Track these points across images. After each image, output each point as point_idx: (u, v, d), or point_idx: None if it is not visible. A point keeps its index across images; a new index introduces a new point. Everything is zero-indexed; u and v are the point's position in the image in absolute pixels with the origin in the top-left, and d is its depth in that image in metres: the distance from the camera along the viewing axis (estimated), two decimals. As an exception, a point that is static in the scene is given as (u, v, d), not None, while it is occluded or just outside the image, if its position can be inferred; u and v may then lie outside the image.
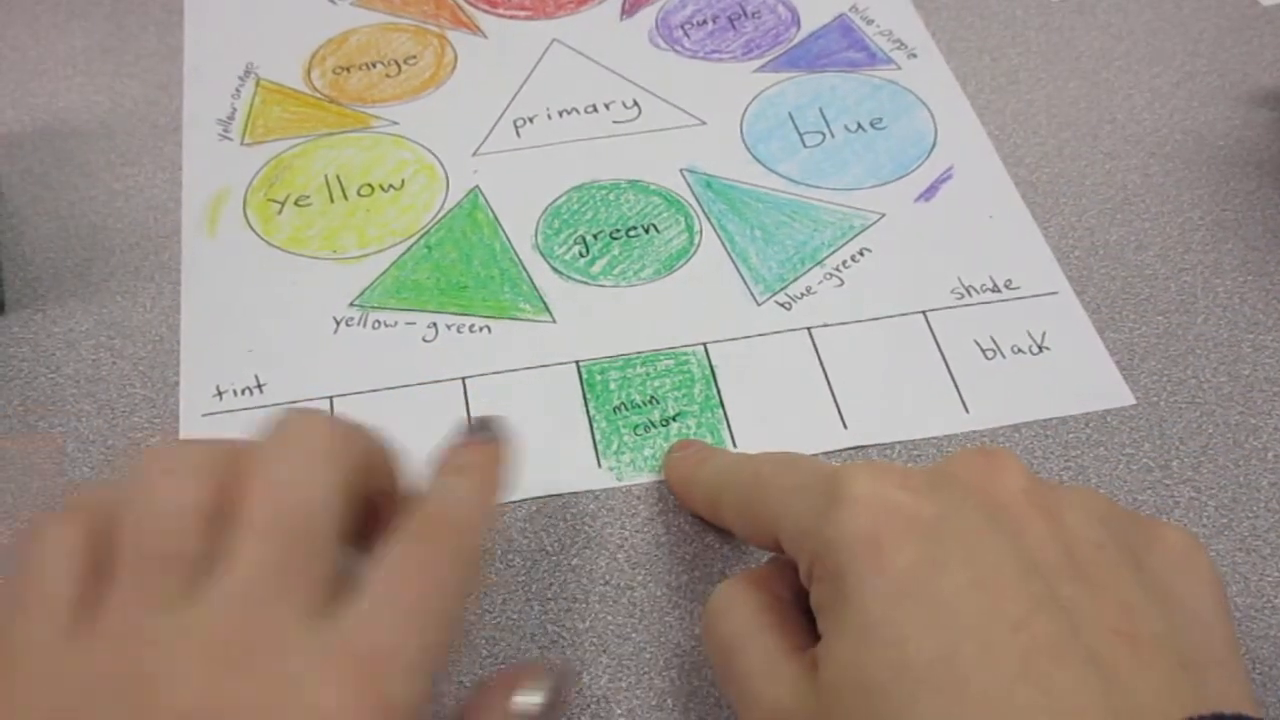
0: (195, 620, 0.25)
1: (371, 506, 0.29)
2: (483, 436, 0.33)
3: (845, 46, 0.54)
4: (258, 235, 0.47)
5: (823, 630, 0.28)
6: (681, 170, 0.48)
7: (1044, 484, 0.29)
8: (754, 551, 0.38)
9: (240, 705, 0.24)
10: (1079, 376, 0.42)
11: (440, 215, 0.47)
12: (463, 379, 0.42)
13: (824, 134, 0.50)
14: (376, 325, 0.43)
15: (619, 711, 0.35)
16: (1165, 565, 0.29)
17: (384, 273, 0.45)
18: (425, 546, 0.28)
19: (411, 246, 0.46)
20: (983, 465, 0.29)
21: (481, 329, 0.43)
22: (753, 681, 0.29)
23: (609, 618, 0.36)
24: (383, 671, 0.25)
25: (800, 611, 0.30)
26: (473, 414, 0.36)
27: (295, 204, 0.48)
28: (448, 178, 0.48)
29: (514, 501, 0.39)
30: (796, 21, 0.55)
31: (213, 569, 0.25)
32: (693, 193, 0.48)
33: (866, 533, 0.27)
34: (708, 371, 0.42)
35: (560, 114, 0.51)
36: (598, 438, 0.40)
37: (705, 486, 0.36)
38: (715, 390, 0.41)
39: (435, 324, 0.43)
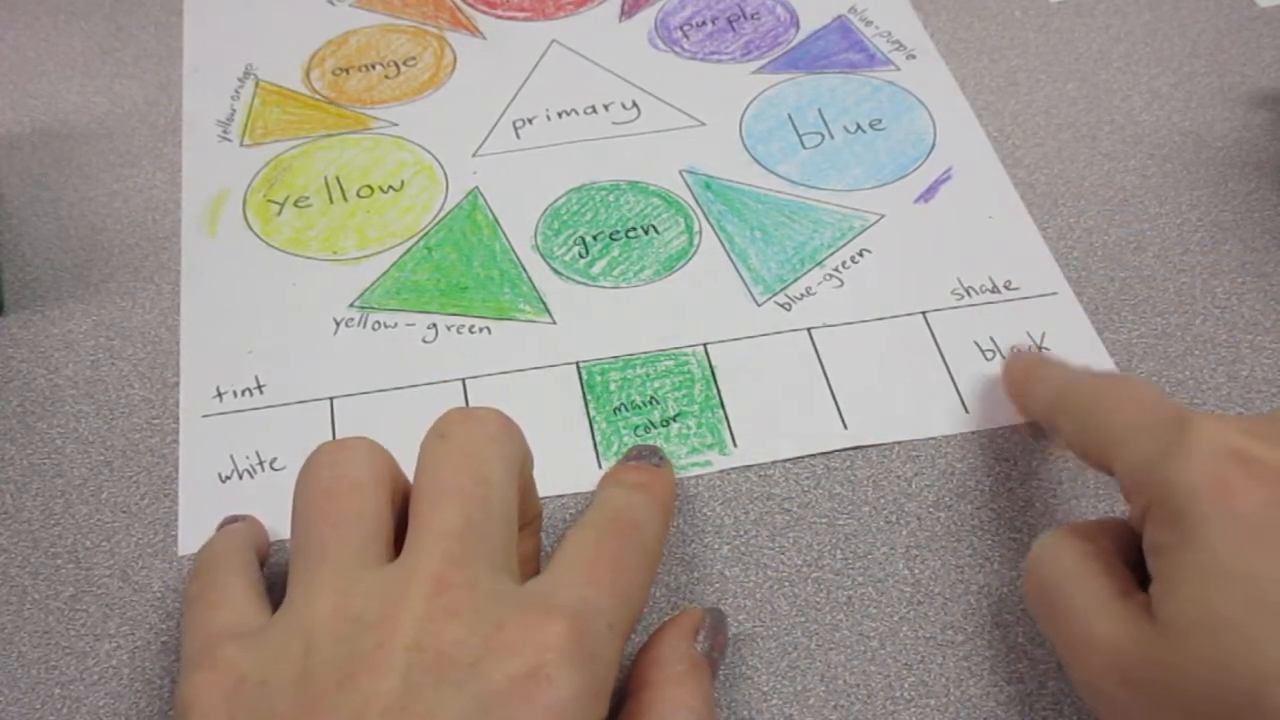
0: (403, 573, 0.28)
1: (524, 504, 0.32)
2: (652, 461, 0.36)
3: (844, 48, 0.54)
4: (257, 236, 0.47)
5: (1158, 572, 0.28)
6: (681, 171, 0.48)
7: None
8: (755, 550, 0.38)
9: (460, 643, 0.27)
10: (1078, 377, 0.42)
11: (440, 216, 0.47)
12: (463, 380, 0.42)
13: (823, 135, 0.50)
14: (376, 326, 0.43)
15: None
16: None
17: (384, 274, 0.45)
18: (611, 535, 0.31)
19: (411, 248, 0.46)
20: None
21: (481, 330, 0.43)
22: (1084, 622, 0.29)
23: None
24: (587, 624, 0.28)
25: (1125, 563, 0.31)
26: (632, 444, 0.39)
27: (295, 205, 0.48)
28: (447, 179, 0.48)
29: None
30: (795, 23, 0.55)
31: (408, 537, 0.30)
32: (692, 194, 0.48)
33: (1213, 477, 0.28)
34: (708, 372, 0.42)
35: (560, 115, 0.51)
36: (598, 438, 0.40)
37: (1043, 400, 0.37)
38: (715, 390, 0.41)
39: (435, 325, 0.43)
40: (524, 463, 0.32)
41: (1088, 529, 0.32)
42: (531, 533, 0.35)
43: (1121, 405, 0.32)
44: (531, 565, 0.35)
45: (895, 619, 0.36)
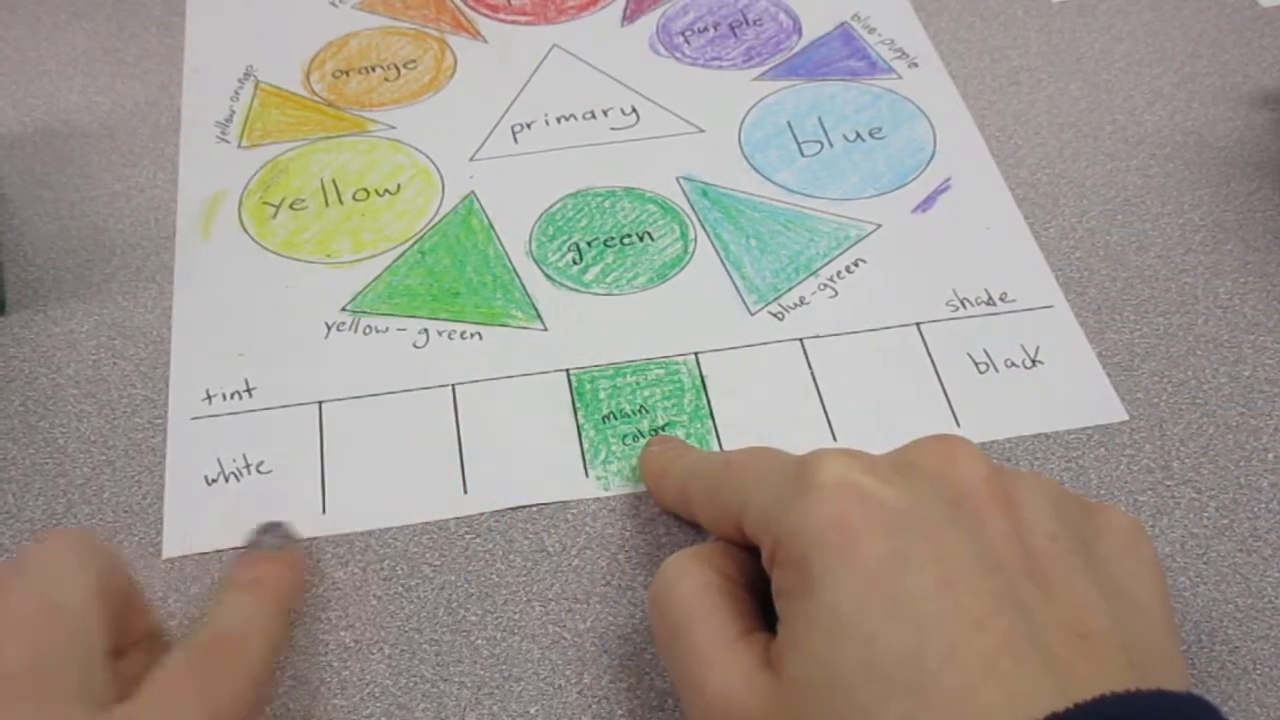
0: None
1: (123, 622, 0.30)
2: (271, 545, 0.34)
3: (846, 55, 0.53)
4: (252, 238, 0.47)
5: (783, 616, 0.28)
6: (678, 178, 0.48)
7: (1001, 471, 0.30)
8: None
9: None
10: (1072, 391, 0.41)
11: (435, 220, 0.47)
12: (452, 386, 0.42)
13: (822, 143, 0.50)
14: (368, 331, 0.43)
15: (620, 712, 0.34)
16: (1113, 553, 0.29)
17: (377, 278, 0.45)
18: (206, 657, 0.29)
19: (405, 252, 0.46)
20: (944, 452, 0.30)
21: (472, 336, 0.43)
22: (701, 665, 0.28)
23: (610, 618, 0.36)
24: None
25: (749, 592, 0.30)
26: (266, 519, 0.35)
27: (290, 207, 0.48)
28: (443, 183, 0.48)
29: (504, 511, 0.39)
30: (798, 29, 0.54)
31: None
32: (688, 201, 0.47)
33: (835, 521, 0.27)
34: (698, 381, 0.42)
35: (558, 120, 0.51)
36: (586, 447, 0.40)
37: (676, 477, 0.36)
38: (705, 400, 0.41)
39: (426, 330, 0.43)
40: (114, 582, 0.29)
41: (715, 554, 0.31)
42: (143, 651, 0.31)
43: (747, 461, 0.32)
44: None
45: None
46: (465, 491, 0.39)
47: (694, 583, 0.30)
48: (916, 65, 0.53)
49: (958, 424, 0.41)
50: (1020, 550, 0.28)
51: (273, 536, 0.34)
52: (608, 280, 0.45)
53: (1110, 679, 0.25)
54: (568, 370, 0.42)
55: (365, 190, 0.48)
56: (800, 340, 0.43)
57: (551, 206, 0.47)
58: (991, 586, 0.26)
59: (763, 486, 0.30)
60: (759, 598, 0.30)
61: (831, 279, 0.45)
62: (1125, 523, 0.30)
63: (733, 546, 0.31)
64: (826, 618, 0.26)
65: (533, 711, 0.35)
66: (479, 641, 0.36)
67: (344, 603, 0.37)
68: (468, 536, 0.38)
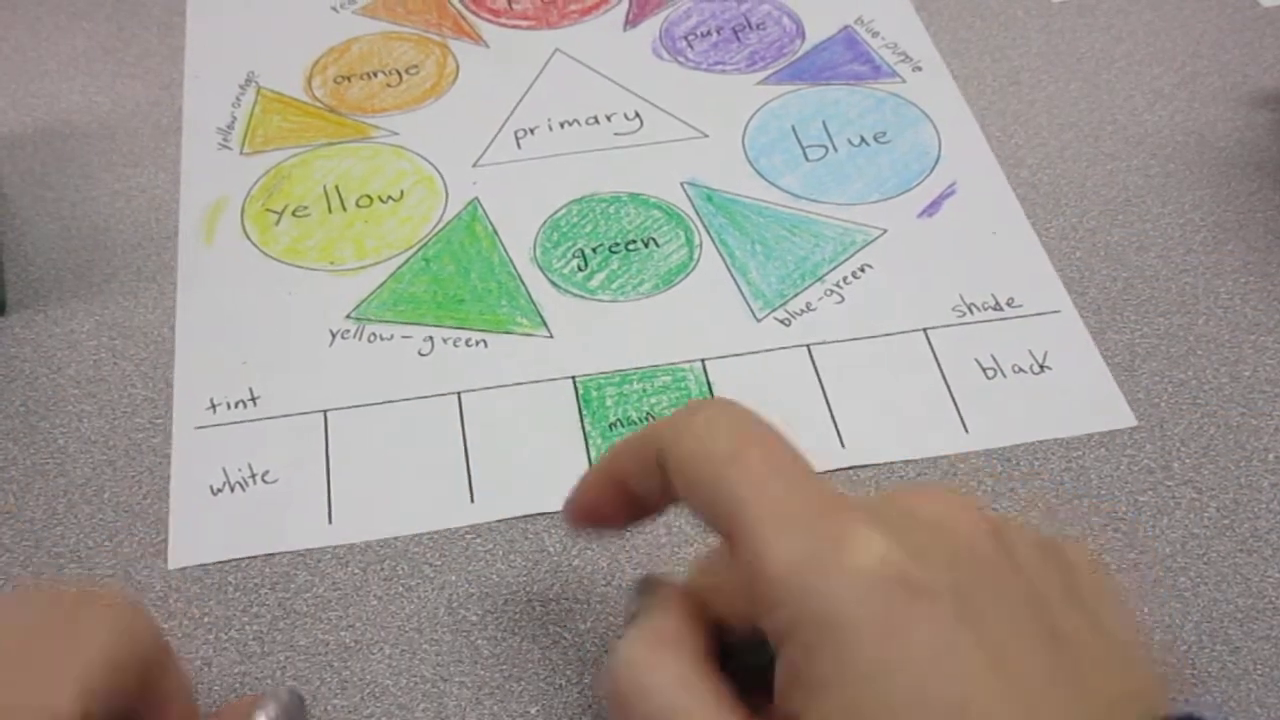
0: None
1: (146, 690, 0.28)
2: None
3: (850, 59, 0.53)
4: (255, 246, 0.46)
5: (807, 709, 0.24)
6: (682, 183, 0.48)
7: (997, 524, 0.28)
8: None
9: None
10: (1080, 396, 0.41)
11: (439, 227, 0.47)
12: (458, 394, 0.42)
13: (827, 148, 0.49)
14: (372, 338, 0.43)
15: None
16: (1091, 593, 0.27)
17: (381, 285, 0.45)
18: None
19: (409, 259, 0.46)
20: (950, 510, 0.27)
21: (478, 343, 0.43)
22: None
23: (610, 618, 0.36)
24: None
25: (719, 664, 0.27)
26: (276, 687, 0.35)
27: (293, 214, 0.47)
28: (447, 189, 0.48)
29: (505, 520, 0.39)
30: (801, 33, 0.54)
31: None
32: (693, 206, 0.47)
33: (880, 614, 0.24)
34: (705, 388, 0.42)
35: (561, 125, 0.51)
36: (593, 455, 0.40)
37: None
38: (712, 408, 0.41)
39: (431, 337, 0.43)
40: (131, 660, 0.28)
41: (673, 632, 0.27)
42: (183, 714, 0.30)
43: (768, 477, 0.26)
44: None
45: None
46: (472, 501, 0.39)
47: (663, 679, 0.26)
48: (920, 69, 0.52)
49: (966, 430, 0.40)
50: (1041, 625, 0.26)
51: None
52: (613, 287, 0.45)
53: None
54: (574, 378, 0.42)
55: (368, 197, 0.48)
56: (807, 346, 0.43)
57: (556, 212, 0.47)
58: (1042, 661, 0.24)
59: (784, 541, 0.25)
60: (729, 666, 0.27)
61: (838, 285, 0.45)
62: (1090, 560, 0.28)
63: (687, 608, 0.27)
64: (862, 711, 0.23)
65: (533, 711, 0.34)
66: (479, 641, 0.36)
67: (344, 603, 0.37)
68: (468, 537, 0.38)
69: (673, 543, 0.38)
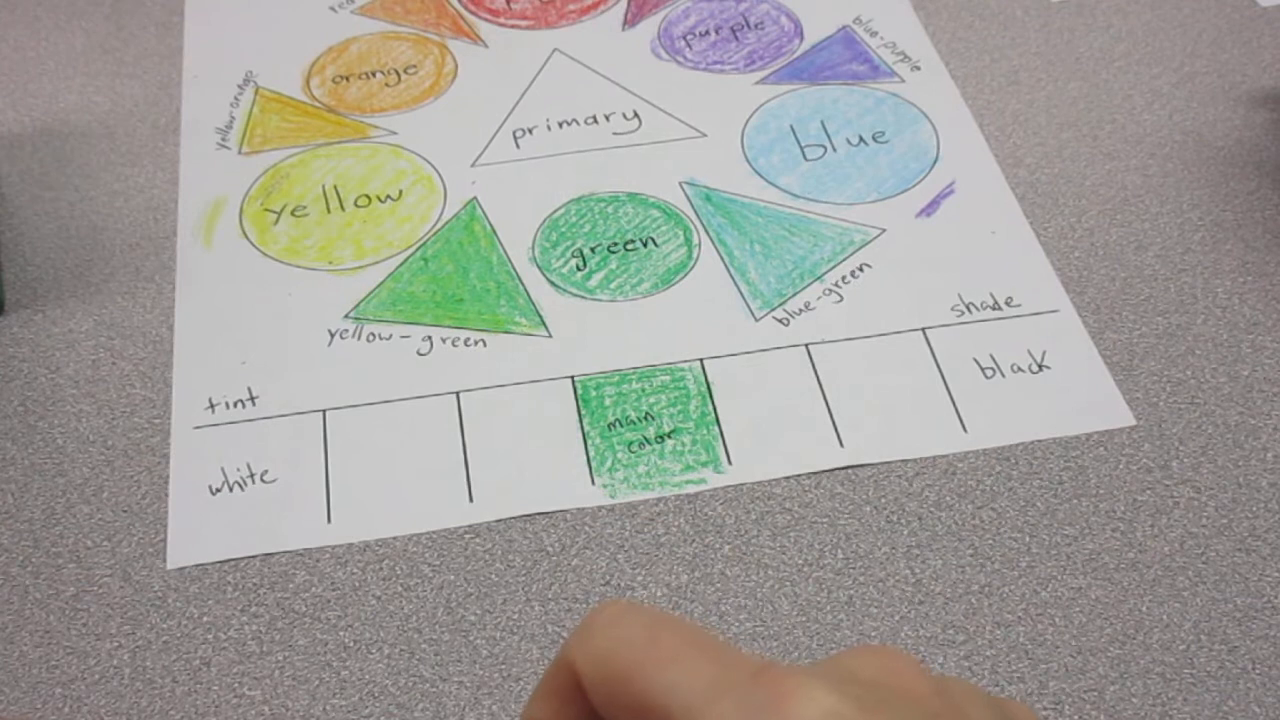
0: None
1: None
2: None
3: (848, 59, 0.53)
4: (253, 245, 0.46)
5: None
6: (681, 183, 0.48)
7: (938, 681, 0.26)
8: (756, 549, 0.37)
9: None
10: (1079, 396, 0.41)
11: (437, 227, 0.47)
12: (457, 393, 0.42)
13: (825, 147, 0.49)
14: (371, 338, 0.43)
15: None
16: None
17: (380, 285, 0.45)
18: None
19: (408, 258, 0.46)
20: (888, 666, 0.26)
21: (477, 343, 0.43)
22: None
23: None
24: None
25: None
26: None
27: (292, 214, 0.47)
28: (446, 189, 0.48)
29: (504, 519, 0.39)
30: (800, 33, 0.54)
31: None
32: (692, 206, 0.47)
33: None
34: (704, 387, 0.42)
35: (560, 125, 0.51)
36: (591, 454, 0.40)
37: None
38: (711, 406, 0.41)
39: (430, 337, 0.43)
40: None
41: None
42: None
43: (680, 649, 0.23)
44: None
45: (896, 618, 0.36)
46: (471, 500, 0.39)
47: None
48: (919, 69, 0.52)
49: (964, 429, 0.40)
50: None
51: None
52: (612, 286, 0.45)
53: None
54: (572, 377, 0.42)
55: (367, 197, 0.48)
56: (806, 346, 0.43)
57: (554, 212, 0.47)
58: None
59: (720, 699, 0.22)
60: None
61: (836, 284, 0.45)
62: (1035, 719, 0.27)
63: None
64: None
65: (536, 715, 0.34)
66: (478, 641, 0.36)
67: (343, 603, 0.37)
68: (467, 537, 0.38)
69: (670, 542, 0.38)
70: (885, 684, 0.25)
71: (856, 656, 0.26)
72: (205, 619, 0.37)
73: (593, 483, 0.39)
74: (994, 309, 0.44)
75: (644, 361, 0.42)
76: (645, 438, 0.40)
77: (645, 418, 0.41)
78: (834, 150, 0.49)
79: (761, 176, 0.48)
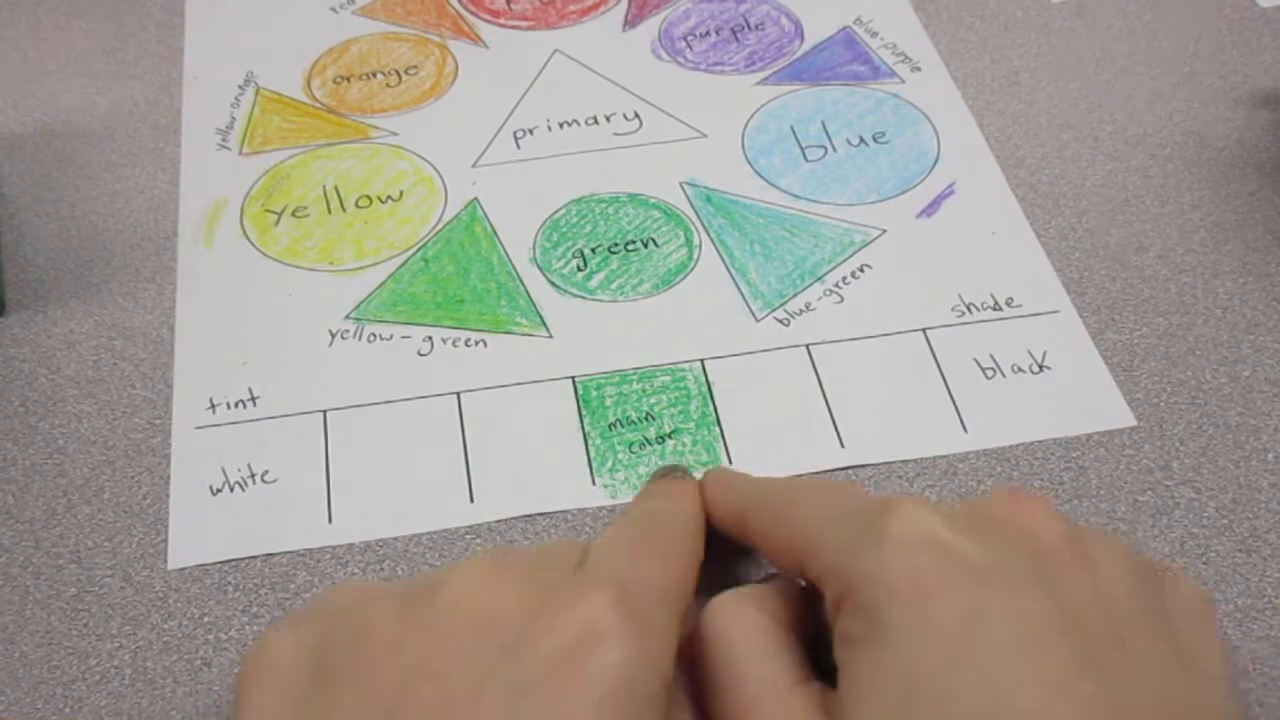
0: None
1: None
2: (676, 474, 0.36)
3: (849, 59, 0.53)
4: (254, 246, 0.46)
5: (847, 667, 0.26)
6: (682, 183, 0.48)
7: (1077, 528, 0.29)
8: (758, 551, 0.37)
9: (516, 612, 0.26)
10: (1079, 396, 0.41)
11: (438, 227, 0.47)
12: (457, 394, 0.42)
13: (826, 148, 0.49)
14: (372, 339, 0.43)
15: None
16: (1186, 623, 0.28)
17: (380, 285, 0.45)
18: (647, 524, 0.31)
19: (409, 259, 0.46)
20: (1020, 507, 0.28)
21: (477, 343, 0.43)
22: (751, 713, 0.27)
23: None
24: (635, 592, 0.27)
25: (800, 638, 0.29)
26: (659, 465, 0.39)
27: (293, 215, 0.47)
28: (446, 189, 0.48)
29: (505, 520, 0.39)
30: (800, 34, 0.54)
31: None
32: (692, 206, 0.47)
33: (912, 574, 0.26)
34: (704, 388, 0.42)
35: (561, 125, 0.51)
36: (592, 454, 0.40)
37: (735, 500, 0.34)
38: (712, 407, 0.41)
39: (431, 338, 0.43)
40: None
41: (767, 597, 0.30)
42: None
43: (816, 498, 0.30)
44: None
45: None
46: (472, 501, 0.39)
47: (745, 625, 0.29)
48: (919, 70, 0.53)
49: (965, 430, 0.40)
50: (1101, 612, 0.26)
51: (676, 471, 0.36)
52: (612, 287, 0.45)
53: None
54: (573, 378, 0.42)
55: (368, 197, 0.48)
56: (806, 346, 0.43)
57: (555, 213, 0.47)
58: (1072, 646, 0.25)
59: (833, 528, 0.28)
60: (811, 646, 0.29)
61: (837, 285, 0.45)
62: (1197, 594, 0.29)
63: (784, 589, 0.30)
64: (898, 673, 0.25)
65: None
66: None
67: (347, 608, 0.37)
68: (468, 536, 0.38)
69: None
70: (1007, 519, 0.28)
71: (995, 496, 0.29)
72: (206, 619, 0.37)
73: (594, 483, 0.39)
74: (994, 309, 0.44)
75: (645, 362, 0.42)
76: (646, 438, 0.40)
77: (646, 418, 0.41)
78: (834, 151, 0.49)
79: (762, 177, 0.48)
